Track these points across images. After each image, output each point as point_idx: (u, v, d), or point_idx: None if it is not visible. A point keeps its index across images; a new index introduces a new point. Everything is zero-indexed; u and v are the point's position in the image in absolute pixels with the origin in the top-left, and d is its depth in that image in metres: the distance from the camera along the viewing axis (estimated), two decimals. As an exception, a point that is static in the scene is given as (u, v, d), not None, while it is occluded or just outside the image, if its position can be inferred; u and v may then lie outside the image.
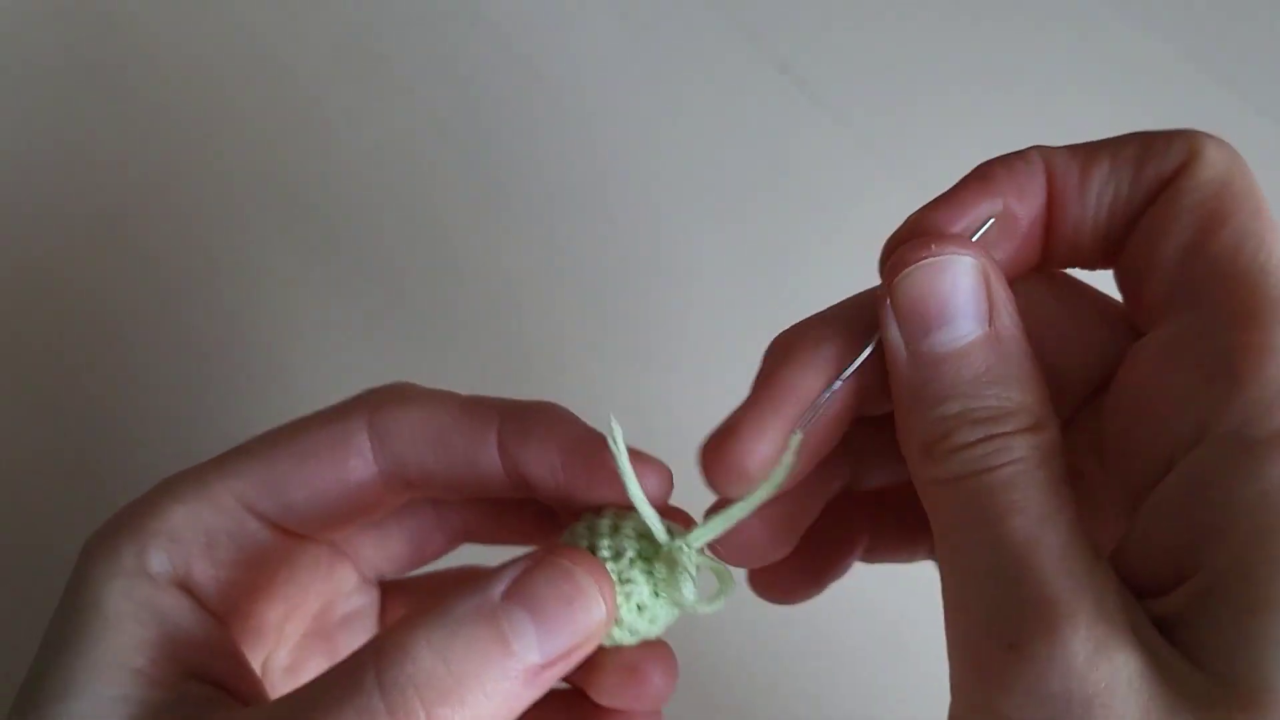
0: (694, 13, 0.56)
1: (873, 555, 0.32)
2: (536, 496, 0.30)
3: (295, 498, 0.30)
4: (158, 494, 0.30)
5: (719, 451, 0.26)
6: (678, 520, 0.29)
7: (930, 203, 0.27)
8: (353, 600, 0.34)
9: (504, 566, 0.26)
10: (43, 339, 0.49)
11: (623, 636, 0.28)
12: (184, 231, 0.51)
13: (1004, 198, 0.26)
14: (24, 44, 0.54)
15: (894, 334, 0.25)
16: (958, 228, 0.26)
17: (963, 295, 0.25)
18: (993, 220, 0.26)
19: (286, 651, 0.33)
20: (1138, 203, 0.26)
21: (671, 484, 0.29)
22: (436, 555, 0.35)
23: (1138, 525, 0.24)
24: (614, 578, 0.27)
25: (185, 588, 0.29)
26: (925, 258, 0.25)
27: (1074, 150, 0.27)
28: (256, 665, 0.32)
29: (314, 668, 0.33)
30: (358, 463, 0.30)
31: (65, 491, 0.45)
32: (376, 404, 0.30)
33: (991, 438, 0.24)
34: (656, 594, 0.28)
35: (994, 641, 0.22)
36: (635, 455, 0.28)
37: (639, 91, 0.55)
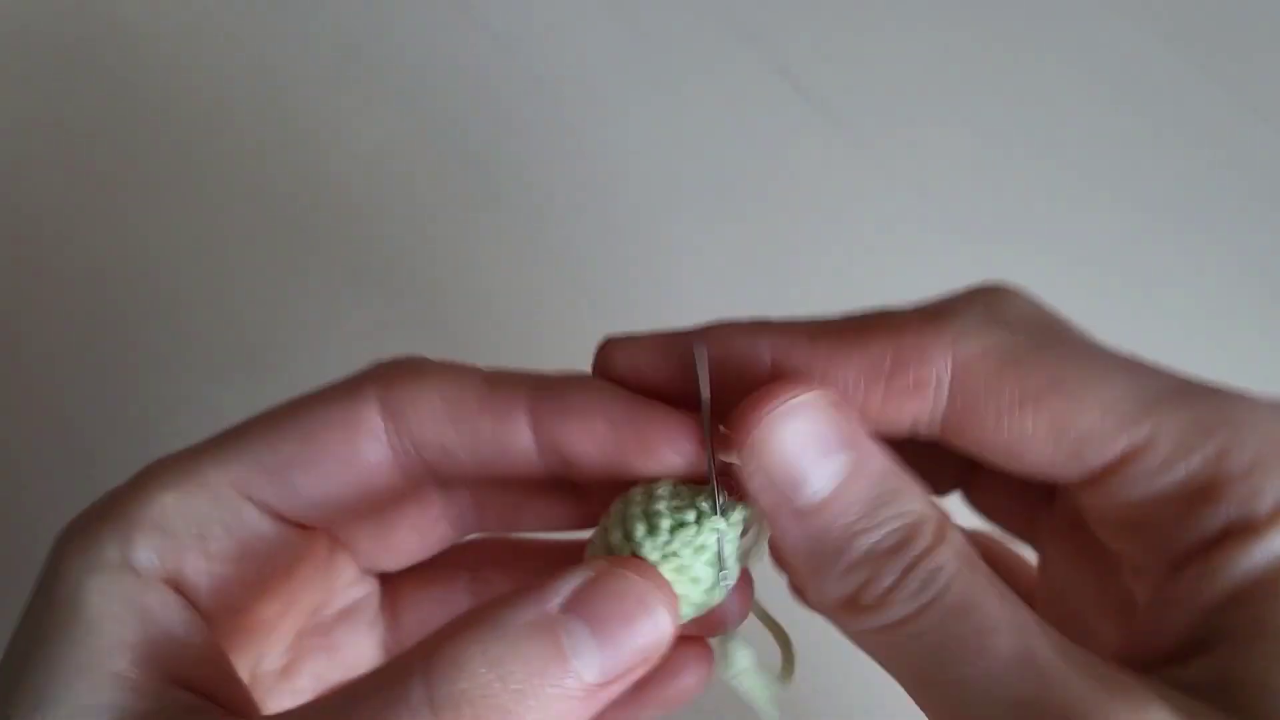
0: (693, 17, 0.56)
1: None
2: (573, 475, 0.28)
3: (299, 483, 0.27)
4: (144, 479, 0.27)
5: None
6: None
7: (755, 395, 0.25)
8: (351, 593, 0.31)
9: (562, 576, 0.24)
10: (40, 337, 0.49)
11: (691, 612, 0.27)
12: (182, 233, 0.51)
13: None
14: (21, 46, 0.54)
15: (767, 501, 0.24)
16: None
17: (822, 432, 0.24)
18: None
19: (280, 652, 0.30)
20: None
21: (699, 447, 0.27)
22: (442, 546, 0.32)
23: (1161, 596, 0.23)
24: (658, 556, 0.26)
25: (174, 585, 0.26)
26: (763, 413, 0.24)
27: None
28: (246, 668, 0.29)
29: (311, 670, 0.31)
30: (370, 444, 0.27)
31: (43, 480, 0.45)
32: (389, 379, 0.28)
33: (917, 562, 0.23)
34: (708, 561, 0.26)
35: None
36: (678, 415, 0.27)
37: (638, 95, 0.55)
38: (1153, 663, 0.23)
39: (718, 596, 0.27)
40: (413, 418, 0.27)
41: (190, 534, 0.26)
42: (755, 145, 0.54)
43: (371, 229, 0.52)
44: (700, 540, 0.26)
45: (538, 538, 0.33)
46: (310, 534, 0.29)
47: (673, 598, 0.25)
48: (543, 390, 0.27)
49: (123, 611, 0.25)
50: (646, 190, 0.53)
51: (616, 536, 0.27)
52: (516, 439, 0.27)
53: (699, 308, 0.51)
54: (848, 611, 0.23)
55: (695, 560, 0.26)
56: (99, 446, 0.47)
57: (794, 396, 0.24)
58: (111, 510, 0.26)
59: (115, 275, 0.50)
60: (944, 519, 0.24)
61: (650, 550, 0.26)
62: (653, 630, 0.24)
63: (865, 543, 0.23)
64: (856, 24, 0.56)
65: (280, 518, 0.28)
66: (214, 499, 0.27)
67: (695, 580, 0.26)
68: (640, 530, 0.26)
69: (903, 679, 0.23)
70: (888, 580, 0.23)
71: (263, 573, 0.28)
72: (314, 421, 0.27)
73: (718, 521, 0.26)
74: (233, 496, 0.27)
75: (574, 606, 0.23)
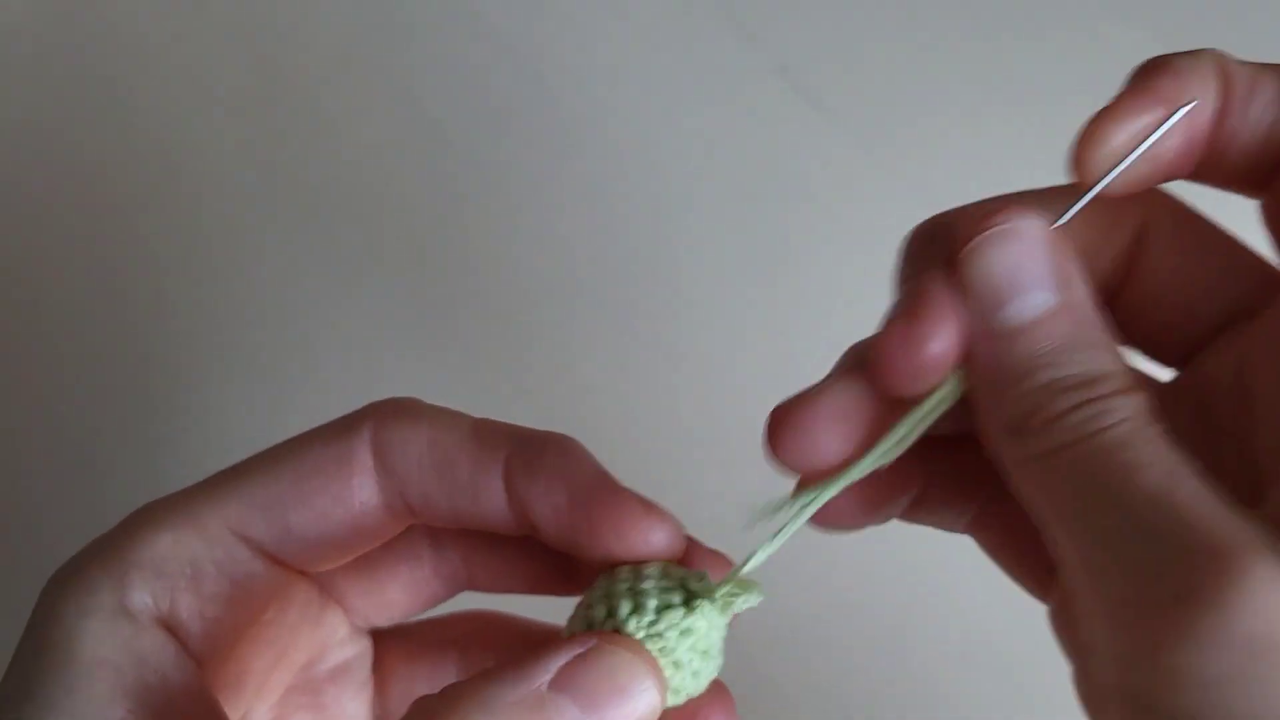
0: (693, 16, 0.56)
1: (916, 512, 0.30)
2: (542, 540, 0.28)
3: (294, 521, 0.27)
4: (137, 522, 0.26)
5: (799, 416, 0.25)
6: (701, 563, 0.27)
7: (1095, 117, 0.26)
8: (343, 651, 0.31)
9: (549, 651, 0.24)
10: (36, 341, 0.49)
11: (671, 700, 0.26)
12: (180, 234, 0.51)
13: (1166, 108, 0.25)
14: (19, 42, 0.54)
15: (966, 313, 0.24)
16: (1118, 142, 0.25)
17: (1031, 264, 0.24)
18: (1075, 210, 0.25)
19: (267, 708, 0.30)
20: None
21: (681, 540, 0.27)
22: (434, 603, 0.32)
23: None
24: (642, 636, 0.25)
25: (169, 627, 0.26)
26: (987, 230, 0.24)
27: (1244, 64, 0.26)
28: None
29: None
30: (361, 482, 0.27)
31: (42, 483, 0.45)
32: (381, 419, 0.28)
33: (1091, 401, 0.23)
34: (692, 647, 0.26)
35: (1155, 599, 0.20)
36: (643, 505, 0.26)
37: (637, 94, 0.55)
38: None
39: (702, 685, 0.26)
40: (400, 460, 0.27)
41: (184, 574, 0.26)
42: (754, 144, 0.54)
43: (368, 229, 0.52)
44: (686, 623, 0.26)
45: (534, 620, 0.32)
46: (304, 581, 0.29)
47: (661, 675, 0.25)
48: (521, 446, 0.27)
49: (118, 657, 0.24)
50: (645, 190, 0.53)
51: (599, 613, 0.26)
52: (491, 494, 0.27)
53: (697, 306, 0.52)
54: (1013, 435, 0.23)
55: (680, 644, 0.26)
56: (100, 450, 0.47)
57: (1014, 221, 0.24)
58: (104, 552, 0.26)
59: (112, 276, 0.50)
60: (1135, 378, 0.24)
61: (635, 630, 0.25)
62: (643, 707, 0.24)
63: (1048, 375, 0.23)
64: (857, 24, 0.56)
65: (273, 559, 0.27)
66: (208, 539, 0.26)
67: (678, 665, 0.26)
68: (625, 608, 0.26)
69: (1051, 513, 0.23)
70: (1059, 407, 0.23)
71: (255, 617, 0.28)
72: (309, 460, 0.27)
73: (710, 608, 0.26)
74: (226, 537, 0.27)
75: (563, 684, 0.23)
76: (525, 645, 0.31)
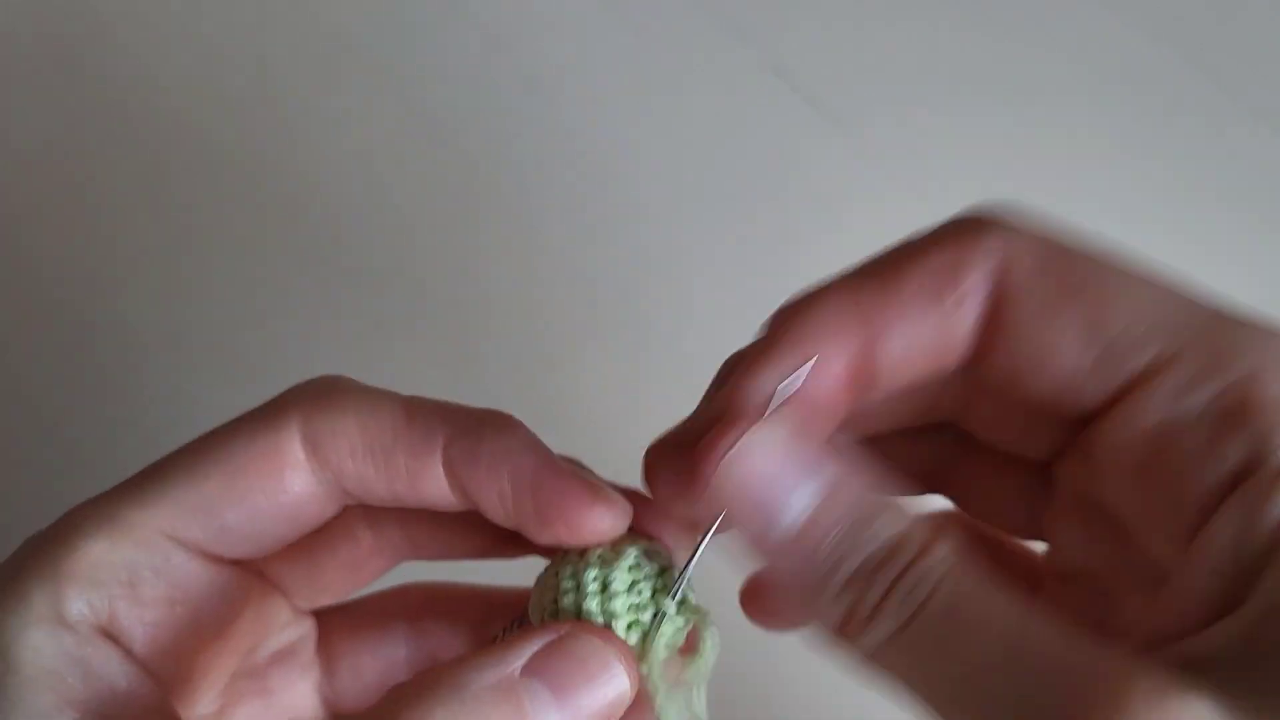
0: (687, 16, 0.56)
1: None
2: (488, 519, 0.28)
3: (227, 520, 0.26)
4: (67, 528, 0.26)
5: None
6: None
7: (740, 367, 0.26)
8: (285, 634, 0.31)
9: (520, 638, 0.24)
10: (19, 338, 0.49)
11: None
12: (174, 233, 0.51)
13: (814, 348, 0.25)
14: (10, 40, 0.54)
15: (747, 539, 0.24)
16: (771, 385, 0.25)
17: (781, 470, 0.23)
18: (808, 367, 0.25)
19: (213, 697, 0.29)
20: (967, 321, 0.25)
21: (629, 516, 0.27)
22: (375, 577, 0.32)
23: (1188, 561, 0.22)
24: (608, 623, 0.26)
25: (110, 635, 0.25)
26: (719, 459, 0.23)
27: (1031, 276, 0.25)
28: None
29: (246, 715, 0.30)
30: (294, 475, 0.27)
31: (21, 479, 0.45)
32: (309, 408, 0.27)
33: (903, 574, 0.22)
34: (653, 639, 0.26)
35: None
36: (589, 489, 0.26)
37: (632, 95, 0.55)
38: (1185, 632, 0.22)
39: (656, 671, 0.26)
40: (332, 450, 0.27)
41: (120, 582, 0.26)
42: (751, 144, 0.54)
43: (366, 230, 0.52)
44: (648, 616, 0.26)
45: (476, 585, 0.32)
46: (242, 571, 0.29)
47: (633, 661, 0.25)
48: (459, 430, 0.27)
49: (61, 667, 0.24)
50: (642, 190, 0.53)
51: (568, 601, 0.26)
52: (430, 480, 0.27)
53: (695, 305, 0.51)
54: (847, 635, 0.23)
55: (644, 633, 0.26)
56: (83, 447, 0.47)
57: (752, 430, 0.23)
58: (37, 562, 0.25)
59: (99, 275, 0.50)
60: (932, 526, 0.23)
61: (602, 617, 0.26)
62: (614, 693, 0.24)
63: (851, 564, 0.22)
64: (851, 22, 0.56)
65: (210, 557, 0.27)
66: (141, 544, 0.26)
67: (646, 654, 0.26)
68: (594, 602, 0.26)
69: (918, 696, 0.22)
70: (876, 594, 0.22)
71: (197, 616, 0.27)
72: (237, 456, 0.27)
73: (671, 610, 0.26)
74: (160, 540, 0.26)
75: (536, 669, 0.24)
76: (475, 610, 0.31)
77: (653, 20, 0.56)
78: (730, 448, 0.23)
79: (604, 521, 0.26)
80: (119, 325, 0.49)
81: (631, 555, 0.27)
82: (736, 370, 0.26)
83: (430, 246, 0.52)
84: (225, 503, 0.26)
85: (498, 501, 0.26)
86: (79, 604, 0.25)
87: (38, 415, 0.48)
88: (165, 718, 0.26)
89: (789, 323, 0.25)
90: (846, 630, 0.23)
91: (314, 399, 0.27)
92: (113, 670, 0.25)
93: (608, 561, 0.26)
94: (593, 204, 0.52)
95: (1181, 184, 0.52)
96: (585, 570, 0.26)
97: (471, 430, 0.27)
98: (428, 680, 0.23)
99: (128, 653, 0.26)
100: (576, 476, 0.26)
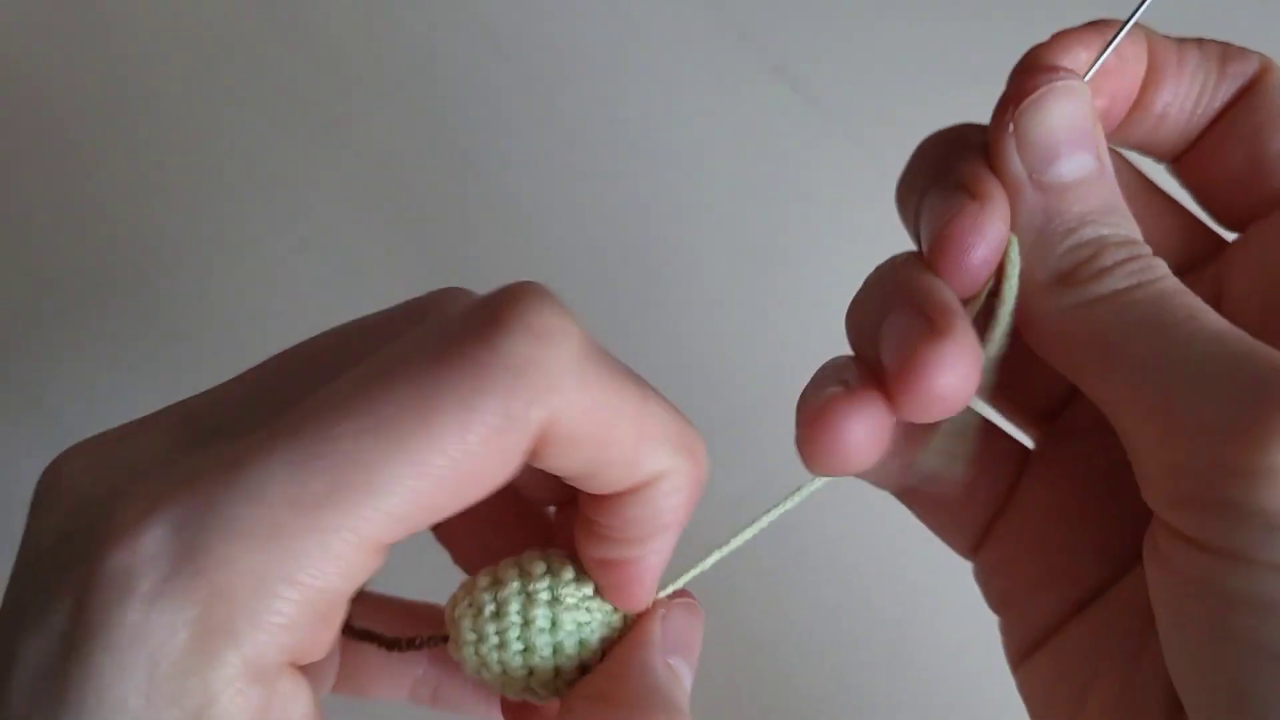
0: (686, 14, 0.56)
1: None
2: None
3: (429, 521, 0.21)
4: (229, 538, 0.19)
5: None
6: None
7: (1045, 42, 0.27)
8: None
9: (648, 619, 0.25)
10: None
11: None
12: (172, 234, 0.51)
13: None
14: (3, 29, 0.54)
15: (1015, 167, 0.25)
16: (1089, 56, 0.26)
17: (1081, 126, 0.25)
18: (1102, 60, 0.26)
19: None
20: (1220, 98, 0.26)
21: None
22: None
23: None
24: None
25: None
26: (1048, 83, 0.25)
27: (1166, 38, 0.27)
28: None
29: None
30: (513, 470, 0.22)
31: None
32: (553, 405, 0.21)
33: (1140, 257, 0.23)
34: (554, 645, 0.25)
35: (1244, 410, 0.20)
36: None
37: (630, 93, 0.55)
38: None
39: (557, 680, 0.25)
40: (561, 462, 0.23)
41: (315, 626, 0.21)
42: (750, 143, 0.54)
43: (363, 230, 0.52)
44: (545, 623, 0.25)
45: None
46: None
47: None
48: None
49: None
50: (642, 189, 0.53)
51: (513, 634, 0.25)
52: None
53: (695, 304, 0.51)
54: (1064, 284, 0.24)
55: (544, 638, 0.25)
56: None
57: (1070, 80, 0.25)
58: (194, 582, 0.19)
59: (93, 266, 0.50)
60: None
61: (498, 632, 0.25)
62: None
63: (1095, 231, 0.24)
64: (851, 21, 0.56)
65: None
66: (345, 570, 0.20)
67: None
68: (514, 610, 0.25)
69: (1105, 356, 0.23)
70: (1111, 259, 0.23)
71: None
72: (467, 458, 0.20)
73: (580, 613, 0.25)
74: (362, 555, 0.20)
75: (669, 649, 0.25)
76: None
77: (651, 19, 0.56)
78: (1049, 80, 0.25)
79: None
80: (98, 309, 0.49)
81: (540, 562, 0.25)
82: (1053, 42, 0.27)
83: (429, 246, 0.52)
84: (438, 510, 0.21)
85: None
86: (273, 652, 0.20)
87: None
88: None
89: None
90: (1070, 279, 0.24)
91: (557, 388, 0.21)
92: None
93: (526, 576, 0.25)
94: (591, 203, 0.52)
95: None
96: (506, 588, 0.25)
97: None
98: (622, 695, 0.24)
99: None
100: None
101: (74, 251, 0.51)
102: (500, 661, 0.25)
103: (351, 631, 0.26)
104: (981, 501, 0.28)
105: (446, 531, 0.29)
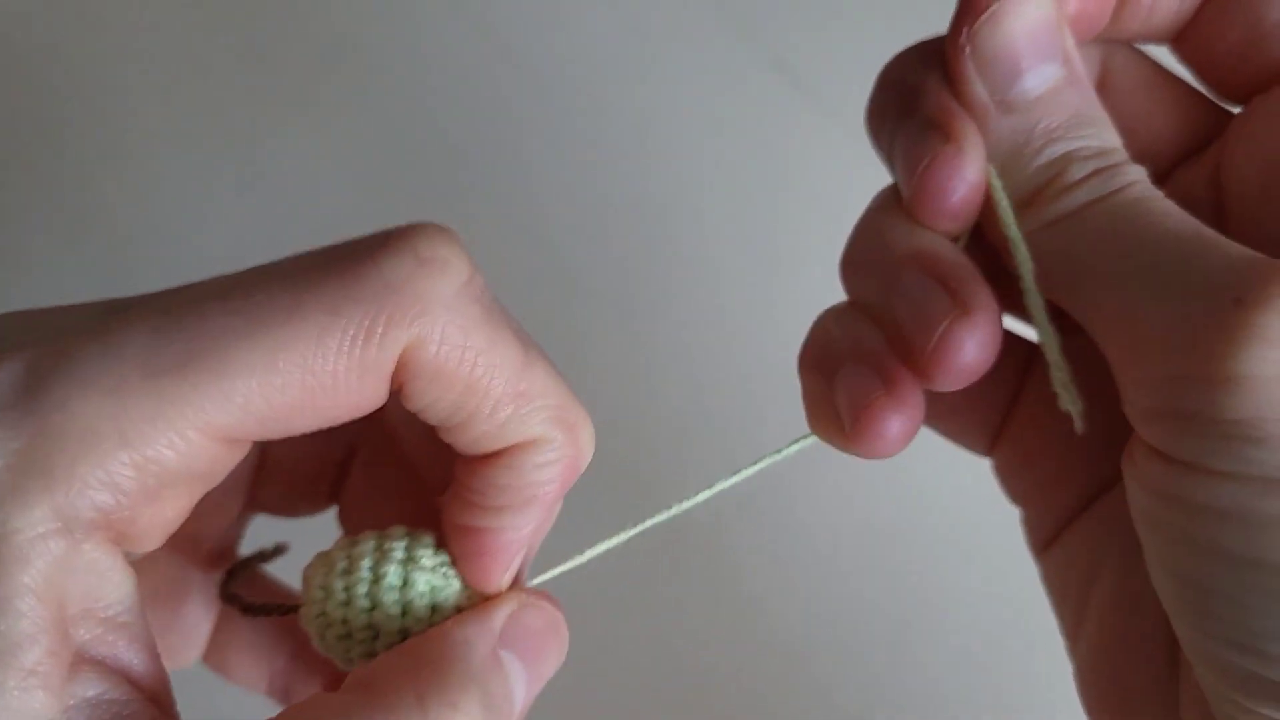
0: (686, 10, 0.56)
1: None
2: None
3: (286, 427, 0.21)
4: (76, 417, 0.19)
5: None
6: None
7: None
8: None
9: (488, 607, 0.24)
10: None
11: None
12: (171, 232, 0.51)
13: None
14: None
15: (978, 90, 0.24)
16: None
17: (1043, 35, 0.24)
18: None
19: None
20: None
21: None
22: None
23: None
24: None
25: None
26: (998, 2, 0.24)
27: None
28: None
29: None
30: (378, 398, 0.22)
31: None
32: (414, 331, 0.21)
33: (1107, 169, 0.23)
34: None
35: (1210, 312, 0.20)
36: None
37: (630, 90, 0.55)
38: None
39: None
40: (422, 401, 0.23)
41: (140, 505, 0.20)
42: (752, 140, 0.53)
43: (363, 230, 0.52)
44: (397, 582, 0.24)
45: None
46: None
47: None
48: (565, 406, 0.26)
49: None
50: (642, 188, 0.53)
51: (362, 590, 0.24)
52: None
53: (696, 303, 0.51)
54: (1034, 204, 0.23)
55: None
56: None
57: None
58: (47, 466, 0.19)
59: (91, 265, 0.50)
60: (1133, 159, 0.24)
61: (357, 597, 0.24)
62: (559, 660, 0.24)
63: (1063, 147, 0.23)
64: (853, 18, 0.56)
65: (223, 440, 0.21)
66: (185, 452, 0.20)
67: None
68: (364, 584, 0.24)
69: (1075, 270, 0.23)
70: (1076, 174, 0.23)
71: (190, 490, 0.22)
72: (319, 363, 0.21)
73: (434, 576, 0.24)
74: (204, 442, 0.21)
75: (506, 641, 0.23)
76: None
77: (651, 15, 0.56)
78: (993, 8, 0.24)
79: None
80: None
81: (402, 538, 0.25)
82: None
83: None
84: (293, 415, 0.21)
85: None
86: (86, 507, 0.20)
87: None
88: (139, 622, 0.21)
89: None
90: (1040, 197, 0.23)
91: (422, 314, 0.21)
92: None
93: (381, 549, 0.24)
94: (590, 201, 0.52)
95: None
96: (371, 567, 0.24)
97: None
98: (428, 657, 0.22)
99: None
100: None
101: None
102: (345, 621, 0.24)
103: (224, 594, 0.27)
104: (991, 400, 0.29)
105: (347, 513, 0.30)
